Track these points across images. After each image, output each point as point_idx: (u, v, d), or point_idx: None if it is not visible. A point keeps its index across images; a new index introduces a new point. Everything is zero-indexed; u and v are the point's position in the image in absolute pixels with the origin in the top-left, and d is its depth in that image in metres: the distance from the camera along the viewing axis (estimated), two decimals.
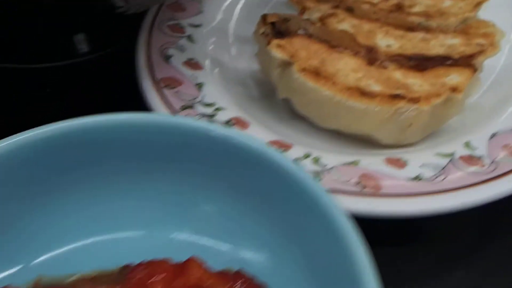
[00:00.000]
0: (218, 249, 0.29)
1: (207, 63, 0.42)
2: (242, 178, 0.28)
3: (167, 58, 0.41)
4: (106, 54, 0.46)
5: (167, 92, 0.38)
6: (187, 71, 0.40)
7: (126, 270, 0.27)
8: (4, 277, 0.27)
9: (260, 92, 0.42)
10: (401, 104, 0.35)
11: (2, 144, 0.26)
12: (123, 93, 0.42)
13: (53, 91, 0.44)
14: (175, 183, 0.29)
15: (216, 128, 0.28)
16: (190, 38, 0.43)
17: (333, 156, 0.35)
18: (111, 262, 0.28)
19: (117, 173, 0.29)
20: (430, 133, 0.38)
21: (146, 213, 0.29)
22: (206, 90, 0.39)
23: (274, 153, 0.27)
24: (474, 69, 0.38)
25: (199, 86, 0.39)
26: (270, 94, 0.41)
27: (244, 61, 0.44)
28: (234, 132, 0.28)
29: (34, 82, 0.45)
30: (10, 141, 0.26)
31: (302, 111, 0.38)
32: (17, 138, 0.26)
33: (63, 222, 0.28)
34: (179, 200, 0.30)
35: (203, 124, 0.28)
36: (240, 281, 0.27)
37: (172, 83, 0.39)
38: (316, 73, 0.36)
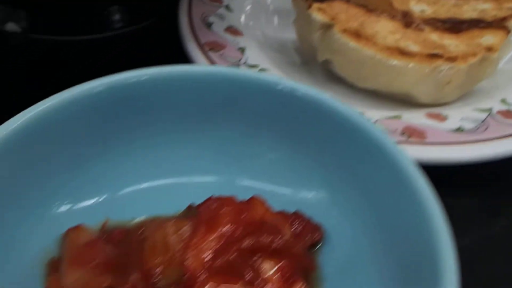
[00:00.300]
0: (277, 192, 0.30)
1: (246, 30, 0.43)
2: (303, 127, 0.29)
3: (208, 25, 0.42)
4: (144, 27, 0.47)
5: (212, 54, 0.39)
6: (229, 37, 0.42)
7: (192, 209, 0.28)
8: (79, 209, 0.28)
9: (298, 58, 0.44)
10: (439, 62, 0.37)
11: (84, 88, 0.27)
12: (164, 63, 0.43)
13: (93, 62, 0.45)
14: (238, 132, 0.30)
15: (282, 81, 0.29)
16: (228, 7, 0.45)
17: (376, 112, 0.36)
18: (174, 205, 0.29)
19: (190, 122, 0.30)
20: (465, 93, 0.39)
21: (210, 161, 0.31)
22: (249, 53, 0.40)
23: (334, 102, 0.28)
24: (508, 30, 0.39)
25: (242, 50, 0.41)
26: (308, 60, 0.42)
27: (281, 29, 0.45)
28: (298, 85, 0.29)
29: (74, 53, 0.46)
30: (92, 85, 0.28)
31: (342, 72, 0.40)
32: (99, 83, 0.28)
33: (137, 163, 0.30)
34: (241, 149, 0.31)
35: (269, 76, 0.30)
36: (298, 221, 0.29)
37: (215, 47, 0.40)
38: (357, 34, 0.38)
